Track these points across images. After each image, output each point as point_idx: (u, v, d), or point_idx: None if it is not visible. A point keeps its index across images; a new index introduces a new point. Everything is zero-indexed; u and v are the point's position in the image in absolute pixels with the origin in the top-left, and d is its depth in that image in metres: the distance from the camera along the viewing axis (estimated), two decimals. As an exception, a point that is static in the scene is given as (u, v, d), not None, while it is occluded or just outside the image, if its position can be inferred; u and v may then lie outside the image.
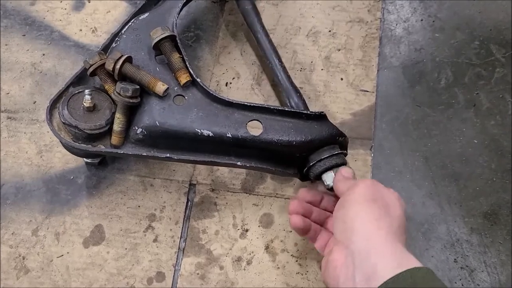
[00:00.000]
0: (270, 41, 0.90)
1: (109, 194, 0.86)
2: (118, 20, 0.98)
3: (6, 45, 0.97)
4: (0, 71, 0.95)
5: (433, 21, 0.96)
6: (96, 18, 0.99)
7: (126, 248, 0.82)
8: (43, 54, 0.96)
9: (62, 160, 0.88)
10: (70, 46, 0.97)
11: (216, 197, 0.85)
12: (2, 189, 0.86)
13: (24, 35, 0.98)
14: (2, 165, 0.88)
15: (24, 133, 0.91)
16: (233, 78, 0.93)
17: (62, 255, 0.82)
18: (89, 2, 1.00)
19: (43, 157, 0.89)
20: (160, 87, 0.73)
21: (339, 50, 0.94)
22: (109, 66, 0.73)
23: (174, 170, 0.87)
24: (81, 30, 0.98)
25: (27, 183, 0.87)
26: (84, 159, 0.85)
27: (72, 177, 0.87)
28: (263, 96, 0.92)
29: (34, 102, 0.93)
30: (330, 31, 0.96)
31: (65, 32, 0.98)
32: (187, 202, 0.85)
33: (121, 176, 0.87)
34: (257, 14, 0.92)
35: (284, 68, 0.88)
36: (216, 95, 0.75)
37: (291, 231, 0.82)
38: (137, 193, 0.86)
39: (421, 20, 0.96)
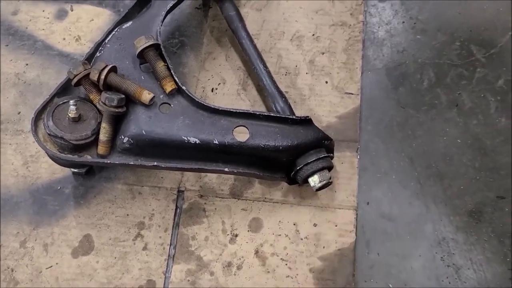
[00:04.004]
0: (254, 46, 0.91)
1: (97, 203, 0.86)
2: (101, 28, 0.98)
3: (-12, 55, 0.96)
4: (-17, 82, 0.94)
5: (415, 23, 0.97)
6: (79, 26, 0.98)
7: (115, 257, 0.82)
8: (27, 64, 0.96)
9: (48, 170, 0.88)
10: (54, 55, 0.96)
11: (205, 203, 0.86)
12: (-12, 202, 0.86)
13: (7, 45, 0.97)
14: (-12, 177, 0.88)
15: (9, 144, 0.90)
16: (219, 83, 0.93)
17: (51, 266, 0.81)
18: (72, 10, 1.00)
19: (29, 168, 0.88)
20: (146, 96, 0.73)
21: (323, 53, 0.95)
22: (94, 76, 0.72)
23: (162, 178, 0.87)
24: (64, 39, 0.98)
25: (14, 194, 0.87)
26: (71, 169, 0.85)
27: (59, 187, 0.87)
28: (249, 101, 0.92)
29: (19, 113, 0.92)
30: (313, 35, 0.97)
31: (48, 41, 0.97)
32: (176, 209, 0.85)
33: (109, 184, 0.87)
34: (241, 19, 0.93)
35: (269, 72, 0.88)
36: (202, 103, 0.76)
37: (280, 235, 0.83)
38: (125, 202, 0.86)
39: (403, 22, 0.98)
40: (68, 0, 1.00)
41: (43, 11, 1.00)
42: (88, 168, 0.86)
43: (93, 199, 0.86)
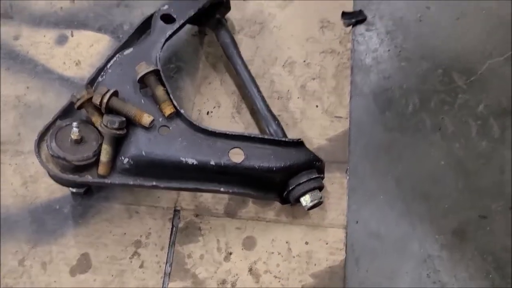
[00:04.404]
0: (248, 72, 0.95)
1: (95, 222, 0.88)
2: (101, 53, 1.01)
3: (-11, 78, 0.99)
4: (-16, 104, 0.96)
5: (400, 51, 1.03)
6: (79, 51, 1.02)
7: (112, 275, 0.84)
8: (27, 87, 0.99)
9: (47, 190, 0.90)
10: (54, 79, 0.99)
11: (200, 222, 0.88)
12: (-12, 221, 0.88)
13: (8, 69, 1.00)
14: (-13, 196, 0.89)
15: (9, 164, 0.92)
16: (214, 107, 0.97)
17: (50, 285, 0.83)
18: (72, 36, 1.03)
19: (28, 188, 0.90)
20: (146, 119, 0.77)
21: (313, 79, 1.00)
22: (97, 100, 0.76)
23: (158, 197, 0.90)
24: (64, 63, 1.01)
25: (13, 213, 0.89)
26: (70, 188, 0.88)
27: (58, 207, 0.89)
28: (243, 124, 0.96)
29: (19, 134, 0.95)
30: (304, 61, 1.01)
31: (49, 65, 1.01)
32: (172, 228, 0.88)
33: (107, 204, 0.89)
34: (236, 46, 0.97)
35: (262, 97, 0.93)
36: (199, 125, 0.79)
37: (273, 253, 0.86)
38: (122, 221, 0.88)
39: (388, 50, 1.03)
40: (68, 26, 1.04)
41: (44, 36, 1.03)
42: (87, 188, 0.88)
43: (91, 218, 0.88)
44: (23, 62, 1.01)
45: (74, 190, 0.88)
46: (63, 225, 0.88)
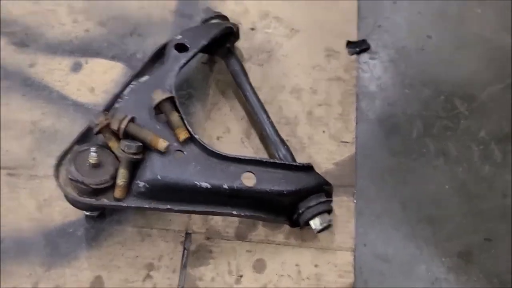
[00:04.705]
0: (257, 98, 0.98)
1: (108, 245, 0.90)
2: (114, 80, 1.05)
3: (6, 104, 1.02)
4: (0, 130, 0.99)
5: (403, 79, 1.07)
6: (93, 78, 1.05)
7: (125, 298, 0.85)
8: (43, 113, 1.01)
9: (61, 213, 0.92)
10: (68, 105, 1.02)
11: (211, 245, 0.90)
12: (2, 244, 0.89)
13: (24, 95, 1.03)
14: (2, 220, 0.91)
15: (24, 188, 0.94)
16: (224, 132, 1.00)
17: (64, 307, 0.84)
18: (87, 63, 1.07)
19: (42, 211, 0.92)
20: (162, 144, 0.79)
21: (320, 105, 1.03)
22: (115, 126, 0.79)
23: (170, 220, 0.92)
24: (79, 90, 1.04)
25: (27, 237, 0.90)
26: (85, 212, 0.90)
27: (71, 230, 0.91)
28: (252, 148, 0.99)
29: (33, 159, 0.97)
30: (311, 88, 1.05)
31: (63, 92, 1.04)
32: (183, 251, 0.90)
33: (119, 227, 0.91)
34: (245, 74, 1.01)
35: (271, 122, 0.96)
36: (213, 150, 0.82)
37: (283, 275, 0.88)
38: (135, 244, 0.90)
39: (392, 78, 1.07)
40: (83, 54, 1.08)
41: (59, 64, 1.07)
42: (100, 211, 0.91)
43: (104, 241, 0.90)
44: (39, 88, 1.04)
45: (87, 213, 0.90)
46: (77, 248, 0.90)
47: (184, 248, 0.90)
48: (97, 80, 1.05)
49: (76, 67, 1.07)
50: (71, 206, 0.86)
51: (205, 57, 1.07)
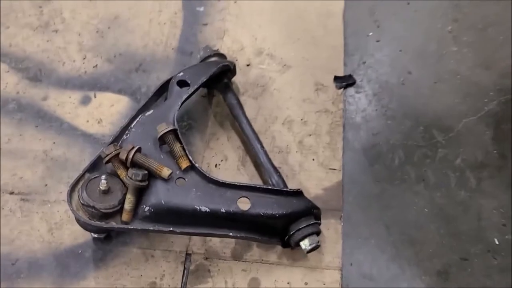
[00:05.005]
0: (252, 129, 1.07)
1: (114, 265, 0.97)
2: (121, 112, 1.13)
3: (20, 135, 1.10)
4: (15, 158, 1.07)
5: (386, 111, 1.16)
6: (101, 111, 1.14)
7: (130, 314, 0.92)
8: (54, 143, 1.10)
9: (71, 236, 1.00)
10: (78, 136, 1.11)
11: (210, 264, 0.98)
12: (16, 265, 0.96)
13: (37, 126, 1.12)
14: (16, 242, 0.99)
15: (36, 213, 1.02)
16: (222, 160, 1.09)
17: (73, 323, 0.91)
18: (95, 97, 1.16)
19: (53, 234, 1.00)
20: (166, 172, 0.88)
21: (310, 135, 1.12)
22: (123, 155, 0.87)
23: (172, 242, 0.99)
24: (88, 121, 1.13)
25: (39, 258, 0.98)
26: (93, 234, 0.97)
27: (80, 251, 0.98)
28: (248, 175, 1.07)
29: (46, 185, 1.05)
30: (302, 119, 1.14)
31: (73, 123, 1.12)
32: (184, 270, 0.97)
33: (125, 248, 0.99)
34: (241, 106, 1.10)
35: (265, 151, 1.04)
36: (211, 177, 0.90)
37: (275, 293, 0.95)
38: (139, 264, 0.97)
39: (376, 110, 1.16)
40: (92, 88, 1.17)
41: (70, 97, 1.16)
42: (107, 233, 0.98)
43: (111, 261, 0.97)
44: (51, 120, 1.13)
45: (95, 235, 0.98)
46: (85, 268, 0.97)
47: (185, 268, 0.97)
48: (104, 112, 1.14)
49: (85, 100, 1.16)
50: (80, 229, 0.94)
51: (205, 91, 1.17)
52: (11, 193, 1.04)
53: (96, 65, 1.20)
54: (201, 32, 1.25)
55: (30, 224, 1.01)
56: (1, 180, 1.05)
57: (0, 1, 1.27)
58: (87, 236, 0.99)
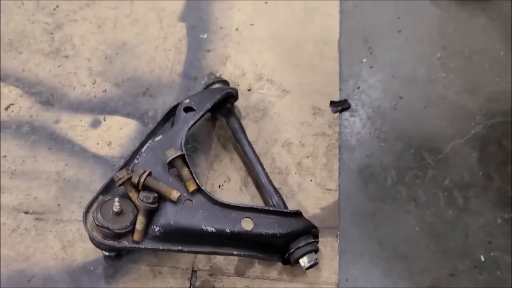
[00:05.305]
0: (253, 151, 1.14)
1: (124, 282, 1.03)
2: (129, 135, 1.20)
3: (34, 157, 1.16)
4: (29, 179, 1.13)
5: (379, 134, 1.23)
6: (110, 133, 1.20)
7: (140, 328, 0.98)
8: (66, 164, 1.16)
9: (83, 253, 1.05)
10: (89, 157, 1.17)
11: (214, 280, 1.04)
12: (32, 281, 1.02)
13: (50, 148, 1.18)
14: (32, 259, 1.04)
15: (50, 231, 1.08)
16: (225, 181, 1.15)
17: (87, 336, 0.97)
18: (105, 120, 1.22)
19: (67, 251, 1.06)
20: (175, 195, 0.94)
21: (308, 157, 1.19)
22: (135, 179, 0.94)
23: (178, 259, 1.05)
24: (98, 143, 1.19)
25: (54, 274, 1.03)
26: (104, 252, 1.03)
27: (92, 268, 1.04)
28: (250, 195, 1.13)
29: (59, 205, 1.11)
30: (300, 142, 1.21)
31: (84, 145, 1.18)
32: (190, 286, 1.03)
33: (134, 265, 1.05)
34: (243, 130, 1.17)
35: (266, 173, 1.11)
36: (217, 199, 0.97)
37: (276, 307, 1.01)
38: (148, 280, 1.03)
39: (370, 133, 1.23)
40: (101, 112, 1.23)
41: (81, 120, 1.22)
42: (117, 252, 1.04)
43: (121, 278, 1.03)
44: (63, 142, 1.19)
45: (106, 253, 1.04)
46: (96, 284, 1.02)
47: (191, 284, 1.03)
48: (114, 135, 1.20)
49: (95, 124, 1.22)
50: (91, 246, 1.00)
51: (208, 115, 1.23)
52: (26, 212, 1.09)
53: (105, 89, 1.26)
54: (205, 58, 1.32)
55: (45, 242, 1.06)
56: (16, 200, 1.10)
57: (13, 28, 1.33)
58: (99, 253, 1.05)
